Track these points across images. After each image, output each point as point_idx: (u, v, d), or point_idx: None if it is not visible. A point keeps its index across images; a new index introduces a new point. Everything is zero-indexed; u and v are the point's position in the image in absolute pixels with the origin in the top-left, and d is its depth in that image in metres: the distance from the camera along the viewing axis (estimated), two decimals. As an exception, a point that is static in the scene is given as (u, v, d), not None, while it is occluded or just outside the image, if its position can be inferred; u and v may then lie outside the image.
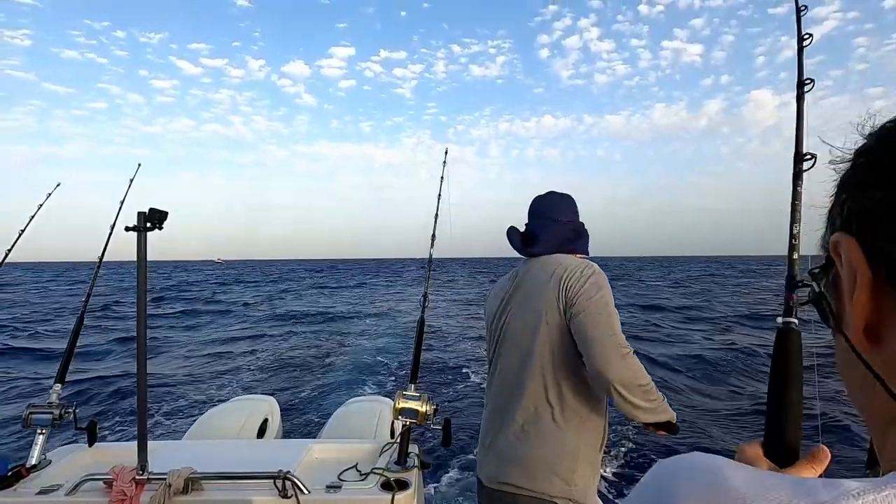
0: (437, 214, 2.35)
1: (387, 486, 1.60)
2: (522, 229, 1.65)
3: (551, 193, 1.63)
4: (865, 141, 0.33)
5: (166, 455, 1.80)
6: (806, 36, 0.91)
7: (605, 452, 1.52)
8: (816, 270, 0.37)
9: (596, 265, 1.42)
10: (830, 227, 0.35)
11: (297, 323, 13.99)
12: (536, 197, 1.63)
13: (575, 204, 1.61)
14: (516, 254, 1.64)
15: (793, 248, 0.74)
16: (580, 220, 1.62)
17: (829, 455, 0.53)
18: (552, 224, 1.54)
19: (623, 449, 4.48)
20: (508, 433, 1.45)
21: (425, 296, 2.15)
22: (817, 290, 0.37)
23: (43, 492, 1.59)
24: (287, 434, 4.02)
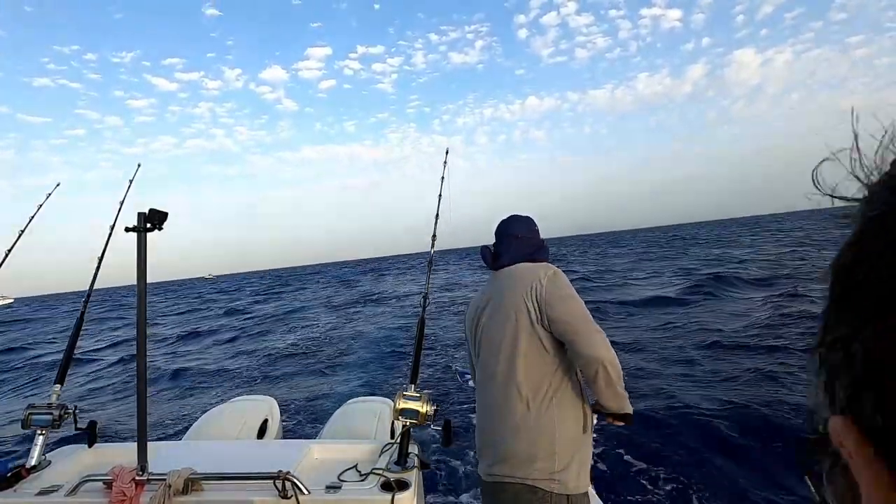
0: (437, 214, 2.35)
1: (387, 486, 1.60)
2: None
3: (513, 216, 1.81)
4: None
5: (166, 455, 1.80)
6: None
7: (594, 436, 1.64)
8: (815, 466, 0.26)
9: (552, 265, 1.60)
10: (827, 389, 0.25)
11: (296, 324, 14.00)
12: (501, 221, 1.81)
13: (534, 223, 1.79)
14: None
15: None
16: (540, 237, 1.79)
17: None
18: (514, 240, 1.72)
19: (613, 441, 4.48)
20: (495, 431, 1.56)
21: (425, 296, 2.15)
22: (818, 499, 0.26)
23: (43, 492, 1.59)
24: (287, 434, 4.02)
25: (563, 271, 1.61)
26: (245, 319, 15.98)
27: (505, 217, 1.82)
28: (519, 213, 1.82)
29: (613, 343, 1.46)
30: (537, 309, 1.49)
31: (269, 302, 22.64)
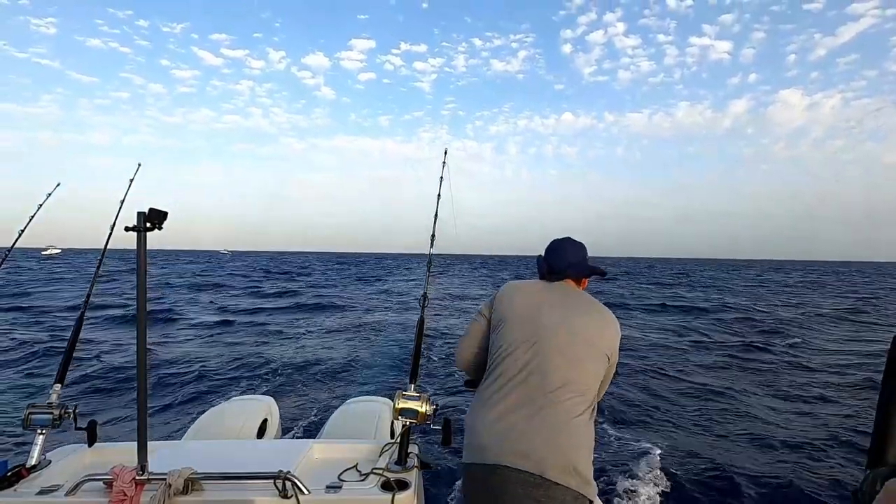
0: (436, 214, 2.36)
1: (387, 486, 1.60)
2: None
3: (575, 241, 1.89)
4: None
5: (166, 455, 1.81)
6: None
7: None
8: None
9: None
10: None
11: (294, 321, 14.00)
12: (555, 240, 1.89)
13: (587, 251, 1.91)
14: (529, 252, 1.90)
15: None
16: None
17: None
18: (575, 264, 1.82)
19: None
20: (533, 420, 1.52)
21: (425, 296, 2.15)
22: None
23: (43, 492, 1.59)
24: (286, 434, 4.02)
25: None
26: (251, 312, 15.98)
27: (562, 238, 1.90)
28: (571, 237, 1.92)
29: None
30: (609, 353, 1.68)
31: (282, 293, 22.57)
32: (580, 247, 1.88)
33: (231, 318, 14.76)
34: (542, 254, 1.89)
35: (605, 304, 1.76)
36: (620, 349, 1.74)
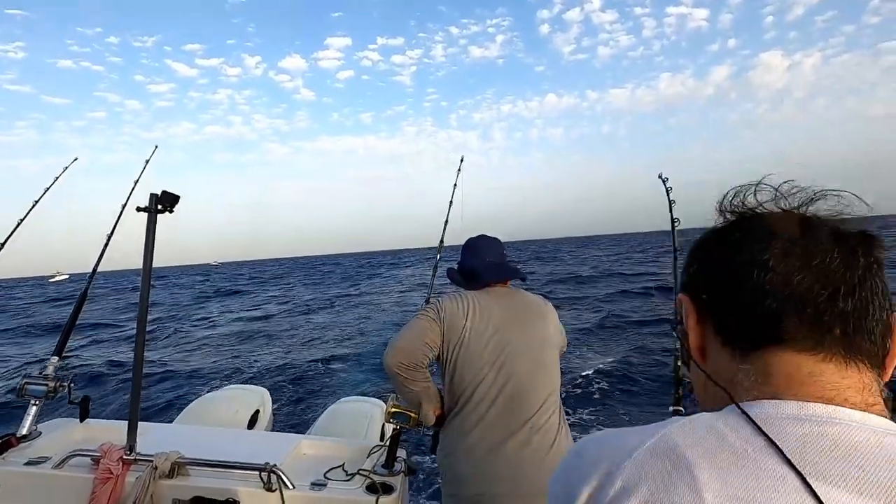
0: (446, 221, 2.35)
1: (372, 488, 1.59)
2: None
3: (490, 238, 1.80)
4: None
5: (155, 437, 1.81)
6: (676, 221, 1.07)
7: None
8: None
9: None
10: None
11: (292, 321, 14.02)
12: (482, 239, 1.80)
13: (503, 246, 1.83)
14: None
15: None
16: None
17: None
18: (497, 264, 1.74)
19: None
20: (524, 449, 1.50)
21: (428, 301, 2.14)
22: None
23: (31, 463, 1.59)
24: (277, 427, 4.00)
25: None
26: (248, 311, 16.07)
27: (477, 236, 1.82)
28: (487, 234, 1.83)
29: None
30: (559, 346, 1.69)
31: (278, 295, 22.72)
32: (498, 243, 1.81)
33: (233, 319, 14.84)
34: (457, 262, 1.81)
35: None
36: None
